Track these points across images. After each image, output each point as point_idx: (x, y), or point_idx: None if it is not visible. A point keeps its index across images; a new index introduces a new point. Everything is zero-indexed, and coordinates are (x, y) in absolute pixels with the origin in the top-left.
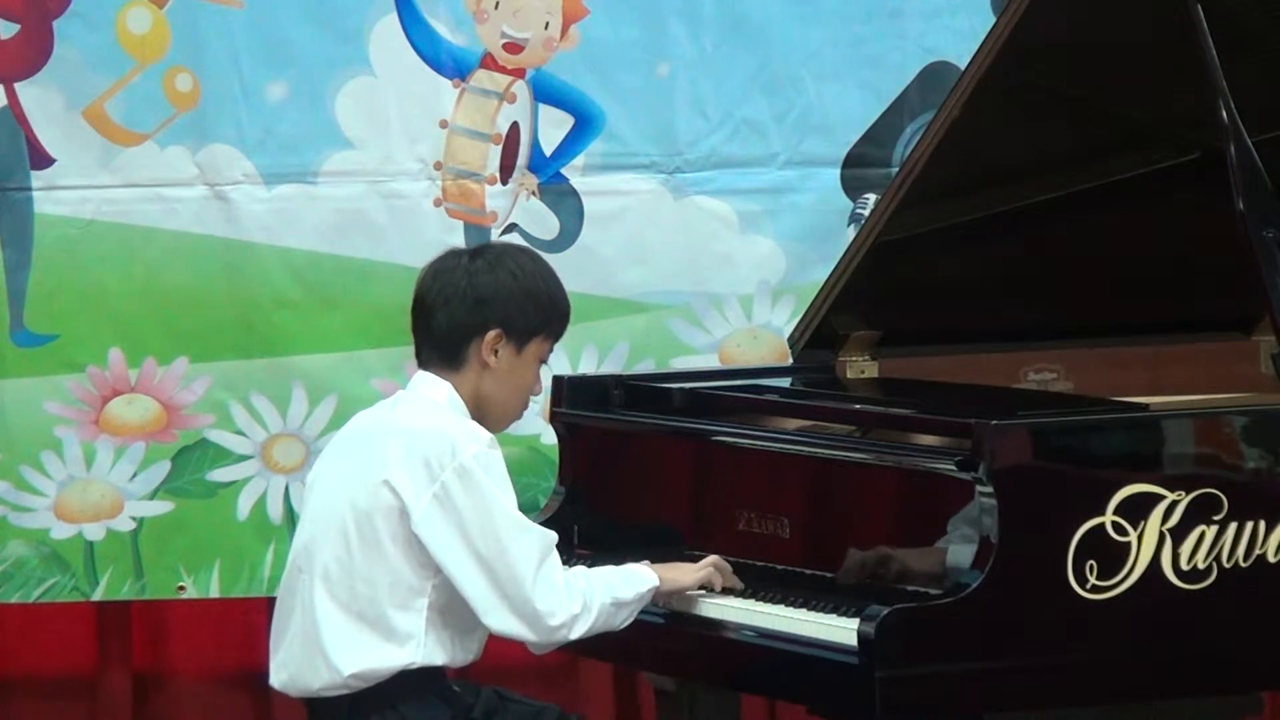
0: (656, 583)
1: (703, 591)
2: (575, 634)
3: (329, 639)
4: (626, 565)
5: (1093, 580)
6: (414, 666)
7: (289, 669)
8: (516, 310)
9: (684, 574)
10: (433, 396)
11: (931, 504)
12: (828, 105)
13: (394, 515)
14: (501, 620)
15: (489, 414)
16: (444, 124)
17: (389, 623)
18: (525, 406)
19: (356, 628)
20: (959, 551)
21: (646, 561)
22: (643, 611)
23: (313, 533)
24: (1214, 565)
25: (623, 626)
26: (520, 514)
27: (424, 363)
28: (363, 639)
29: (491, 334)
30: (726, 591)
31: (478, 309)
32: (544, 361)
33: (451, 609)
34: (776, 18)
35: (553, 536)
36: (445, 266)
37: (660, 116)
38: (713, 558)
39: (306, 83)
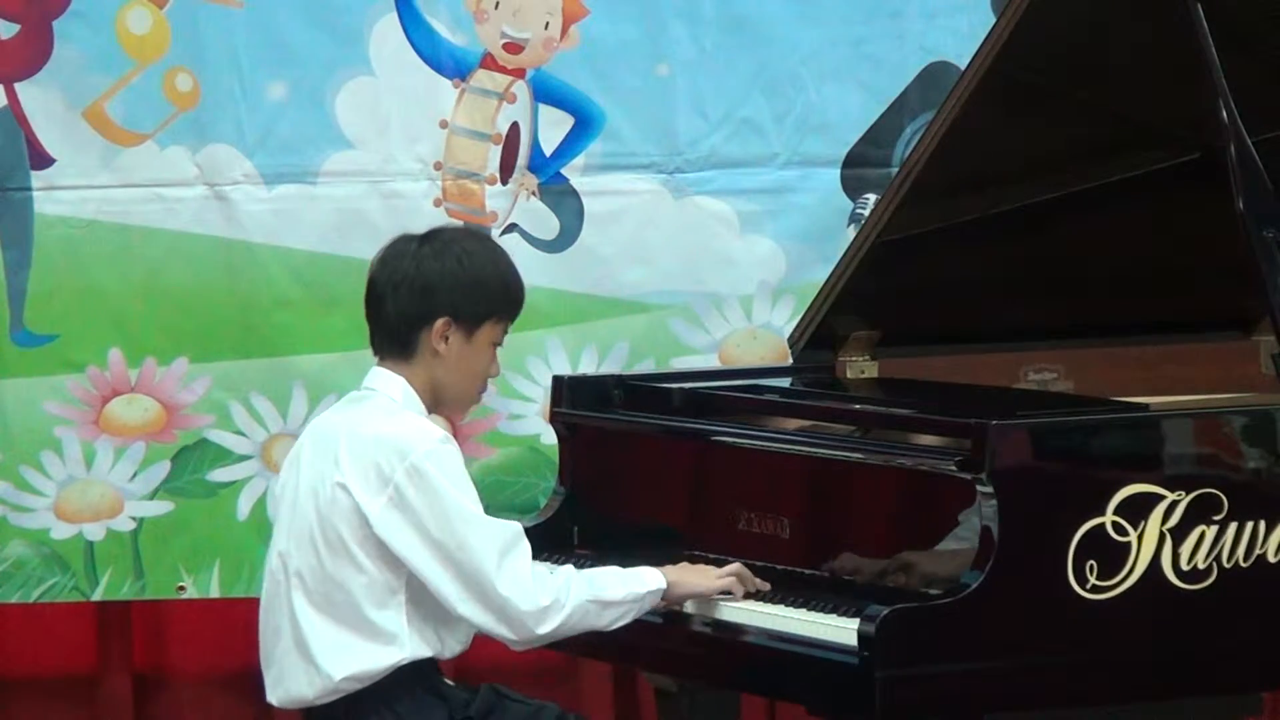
0: (661, 586)
1: (724, 598)
2: (546, 628)
3: (316, 646)
4: (636, 568)
5: (1093, 580)
6: (405, 663)
7: (283, 683)
8: (463, 298)
9: (703, 578)
10: (389, 393)
11: (931, 504)
12: (828, 105)
13: (354, 517)
14: (472, 613)
15: (445, 400)
16: (444, 124)
17: (371, 624)
18: (483, 389)
19: (341, 632)
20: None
21: (687, 565)
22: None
23: (286, 543)
24: (1214, 565)
25: (612, 628)
26: (479, 508)
27: (378, 351)
28: (349, 642)
29: (440, 322)
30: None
31: (425, 297)
32: (498, 344)
33: (427, 602)
34: (776, 18)
35: (516, 528)
36: (394, 253)
37: (660, 116)
38: (735, 565)
39: (306, 83)
